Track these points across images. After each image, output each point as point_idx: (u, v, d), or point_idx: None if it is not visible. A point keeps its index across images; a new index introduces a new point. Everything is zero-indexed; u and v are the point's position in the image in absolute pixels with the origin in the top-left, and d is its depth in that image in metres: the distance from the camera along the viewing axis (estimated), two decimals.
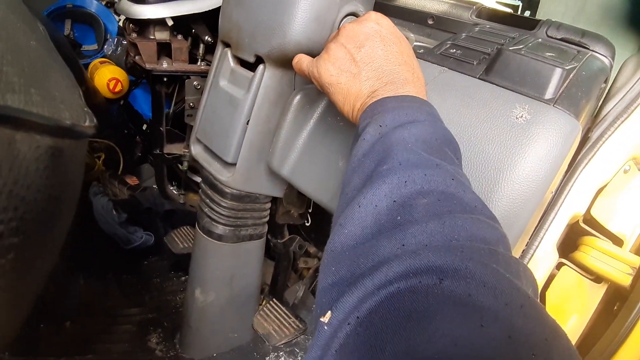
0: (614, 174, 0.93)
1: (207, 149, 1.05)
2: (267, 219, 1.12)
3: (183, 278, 1.55)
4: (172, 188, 1.69)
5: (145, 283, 1.50)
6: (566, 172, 0.90)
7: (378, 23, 0.65)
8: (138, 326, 1.30)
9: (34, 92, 0.49)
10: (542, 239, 0.87)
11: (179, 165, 1.60)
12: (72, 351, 1.15)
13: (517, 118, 0.72)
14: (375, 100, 0.59)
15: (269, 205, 1.09)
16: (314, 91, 0.90)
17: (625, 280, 0.87)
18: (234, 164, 0.96)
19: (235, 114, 0.93)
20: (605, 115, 0.97)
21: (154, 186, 1.76)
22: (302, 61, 0.74)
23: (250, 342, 1.28)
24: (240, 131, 0.93)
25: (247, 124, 0.93)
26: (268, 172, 0.99)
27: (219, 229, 1.05)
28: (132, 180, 1.93)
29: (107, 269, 1.51)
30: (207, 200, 1.04)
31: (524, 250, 0.87)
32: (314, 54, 0.85)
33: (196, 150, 1.06)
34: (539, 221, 0.88)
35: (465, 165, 0.72)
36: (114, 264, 1.53)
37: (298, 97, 0.89)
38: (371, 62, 0.62)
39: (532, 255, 0.87)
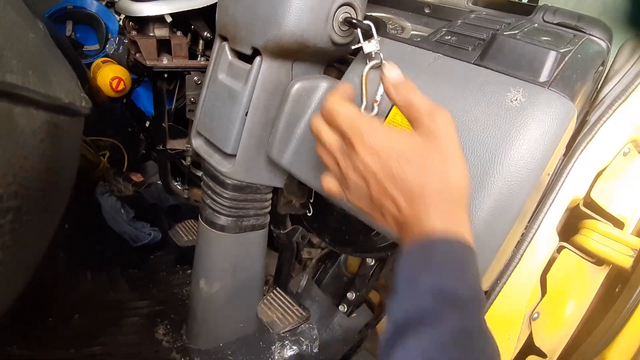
0: (613, 156, 0.94)
1: (208, 142, 1.06)
2: (268, 209, 1.13)
3: (189, 271, 1.57)
4: (176, 184, 1.71)
5: (151, 277, 1.53)
6: (564, 155, 0.90)
7: (371, 149, 0.57)
8: (145, 318, 1.32)
9: (31, 74, 0.53)
10: (541, 222, 0.88)
11: (182, 161, 1.62)
12: (80, 344, 1.18)
13: (511, 101, 0.72)
14: (402, 254, 0.55)
15: (270, 195, 1.11)
16: (311, 81, 0.91)
17: (627, 262, 0.88)
18: (234, 155, 0.98)
19: (234, 106, 0.95)
20: (603, 98, 0.97)
21: (158, 182, 1.78)
22: (331, 188, 0.69)
23: (256, 331, 1.30)
24: (240, 122, 0.94)
25: (246, 115, 0.94)
26: (268, 163, 1.01)
27: (222, 220, 1.06)
28: (136, 177, 1.95)
29: (114, 264, 1.54)
30: (209, 192, 1.06)
31: (523, 234, 0.88)
32: (309, 44, 0.86)
33: (197, 143, 1.08)
34: (538, 205, 0.89)
35: None
36: (121, 260, 1.56)
37: (295, 87, 0.90)
38: (385, 196, 0.57)
39: (532, 238, 0.88)
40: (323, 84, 0.91)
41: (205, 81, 1.06)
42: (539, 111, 0.70)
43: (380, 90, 0.85)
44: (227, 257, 1.13)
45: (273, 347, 1.28)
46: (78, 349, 1.16)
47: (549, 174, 0.82)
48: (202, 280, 1.15)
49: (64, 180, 0.73)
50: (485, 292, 0.89)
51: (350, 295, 1.39)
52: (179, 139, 1.58)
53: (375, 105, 0.83)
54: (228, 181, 1.01)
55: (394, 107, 0.82)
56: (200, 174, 1.60)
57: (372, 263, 1.37)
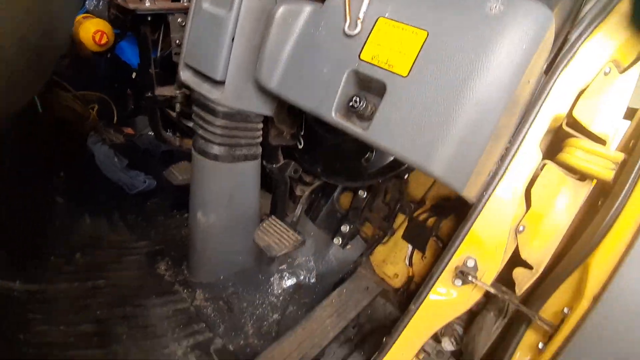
0: (594, 75, 0.96)
1: (196, 73, 1.07)
2: (259, 139, 1.16)
3: (186, 215, 1.60)
4: (167, 133, 1.72)
5: (149, 221, 1.56)
6: (546, 73, 0.92)
7: None
8: (146, 257, 1.36)
9: None
10: (524, 137, 0.91)
11: (171, 112, 1.62)
12: (84, 278, 1.22)
13: (491, 9, 0.74)
14: None
15: (260, 125, 1.12)
16: (296, 5, 0.92)
17: (609, 175, 0.91)
18: (223, 82, 0.99)
19: (220, 33, 0.95)
20: (583, 17, 0.99)
21: (150, 133, 1.79)
22: None
23: (255, 265, 1.34)
24: (227, 48, 0.95)
25: (233, 41, 0.95)
26: (257, 89, 1.02)
27: (214, 149, 1.08)
28: (127, 131, 1.96)
29: (112, 209, 1.56)
30: (201, 122, 1.07)
31: (507, 148, 0.91)
32: None
33: (185, 75, 1.09)
34: (521, 121, 0.91)
35: (442, 60, 0.76)
36: (118, 206, 1.58)
37: (280, 10, 0.91)
38: None
39: (516, 152, 0.91)
40: (307, 8, 0.91)
41: (190, 13, 1.06)
42: (518, 18, 0.73)
43: (364, 8, 0.86)
44: (222, 187, 1.16)
45: (272, 279, 1.33)
46: (83, 282, 1.19)
47: (529, 82, 0.84)
48: (200, 212, 1.18)
49: (60, 32, 0.87)
50: (472, 205, 0.92)
51: (344, 228, 1.44)
52: (167, 86, 1.57)
53: (359, 22, 0.85)
54: (219, 108, 1.02)
55: (377, 23, 0.84)
56: (190, 124, 1.61)
57: (364, 195, 1.42)
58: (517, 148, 0.91)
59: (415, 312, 0.98)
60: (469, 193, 0.87)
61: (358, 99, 0.83)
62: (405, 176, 1.42)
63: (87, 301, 1.16)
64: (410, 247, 1.42)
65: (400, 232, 1.43)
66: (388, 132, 0.81)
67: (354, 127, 0.85)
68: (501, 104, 0.75)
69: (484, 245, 0.94)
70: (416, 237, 1.37)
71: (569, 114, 0.96)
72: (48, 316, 1.07)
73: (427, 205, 1.41)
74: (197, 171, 1.16)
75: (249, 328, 1.20)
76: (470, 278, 0.93)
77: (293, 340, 1.06)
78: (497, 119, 0.76)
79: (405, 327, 0.99)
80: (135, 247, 1.40)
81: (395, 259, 1.45)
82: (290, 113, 1.11)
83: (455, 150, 0.76)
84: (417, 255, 1.41)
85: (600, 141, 0.97)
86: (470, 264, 0.94)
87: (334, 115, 0.86)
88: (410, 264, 1.41)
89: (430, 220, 1.36)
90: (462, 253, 0.95)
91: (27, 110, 1.26)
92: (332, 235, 1.45)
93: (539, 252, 0.99)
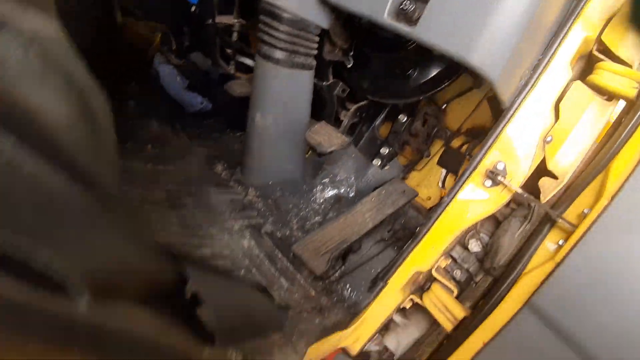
0: (622, 3, 1.05)
1: None
2: (315, 51, 1.28)
3: (238, 134, 1.76)
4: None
5: (206, 136, 1.72)
6: None
7: None
8: (205, 159, 1.52)
9: None
10: (555, 51, 1.01)
11: (227, 48, 1.74)
12: (156, 162, 1.39)
13: None
14: None
15: (317, 38, 1.25)
16: None
17: (632, 93, 1.01)
18: None
19: None
20: None
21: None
22: None
23: (300, 177, 1.49)
24: None
25: None
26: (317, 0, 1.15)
27: (277, 53, 1.22)
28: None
29: (174, 120, 1.74)
30: (266, 29, 1.20)
31: (540, 60, 1.01)
32: None
33: None
34: (552, 37, 1.01)
35: None
36: (179, 119, 1.75)
37: None
38: None
39: (547, 65, 1.01)
40: None
41: None
42: None
43: None
44: (281, 91, 1.29)
45: (315, 189, 1.46)
46: (154, 165, 1.36)
47: None
48: (258, 114, 1.32)
49: None
50: (502, 111, 1.03)
51: (384, 151, 1.57)
52: (226, 15, 1.70)
53: None
54: (284, 15, 1.15)
55: None
56: (247, 61, 1.74)
57: (404, 120, 1.53)
58: (549, 61, 1.02)
59: (447, 205, 1.09)
60: (503, 91, 0.98)
61: (408, 2, 0.95)
62: (444, 106, 1.53)
63: (158, 178, 1.33)
64: (444, 171, 1.53)
65: (436, 159, 1.55)
66: (433, 29, 0.94)
67: (403, 27, 0.97)
68: (532, 5, 0.86)
69: (513, 150, 1.05)
70: (450, 161, 1.47)
71: (599, 40, 1.05)
72: (126, 180, 1.23)
73: (462, 134, 1.51)
74: (260, 75, 1.29)
75: (293, 224, 1.35)
76: (499, 178, 1.03)
77: (335, 227, 1.19)
78: (528, 18, 0.87)
79: (438, 217, 1.10)
80: (196, 152, 1.56)
81: (429, 183, 1.57)
82: (344, 26, 1.23)
83: (490, 43, 0.89)
84: (450, 179, 1.52)
85: (627, 65, 1.06)
86: (500, 166, 1.05)
87: (386, 17, 0.99)
88: (444, 186, 1.53)
89: (465, 147, 1.46)
90: (493, 157, 1.05)
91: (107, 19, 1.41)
92: (372, 158, 1.58)
93: (564, 163, 1.07)
